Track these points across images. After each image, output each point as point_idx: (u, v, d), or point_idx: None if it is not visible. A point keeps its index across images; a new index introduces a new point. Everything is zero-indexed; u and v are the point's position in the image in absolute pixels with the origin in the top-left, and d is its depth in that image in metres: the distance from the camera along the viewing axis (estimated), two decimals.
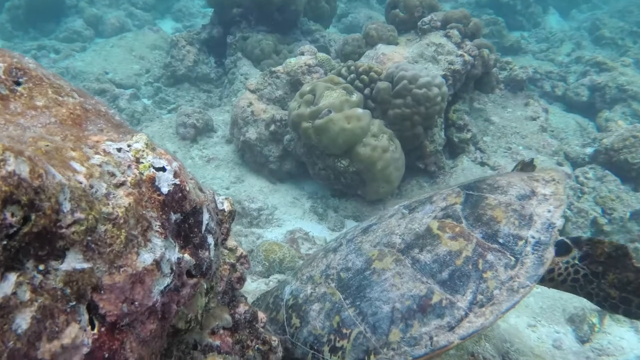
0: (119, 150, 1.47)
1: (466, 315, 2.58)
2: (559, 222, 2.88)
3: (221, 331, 2.18)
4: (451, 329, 2.57)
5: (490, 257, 2.75)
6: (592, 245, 3.00)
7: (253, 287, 4.26)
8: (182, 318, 1.70)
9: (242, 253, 2.42)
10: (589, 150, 7.87)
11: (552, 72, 11.11)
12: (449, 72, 6.94)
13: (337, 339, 2.75)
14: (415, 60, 7.18)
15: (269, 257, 4.91)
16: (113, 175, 1.37)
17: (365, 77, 6.44)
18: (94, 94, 9.73)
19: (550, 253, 2.75)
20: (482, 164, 7.01)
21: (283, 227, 6.36)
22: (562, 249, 3.03)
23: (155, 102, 10.43)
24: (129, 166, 1.49)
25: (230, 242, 2.45)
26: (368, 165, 6.05)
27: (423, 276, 2.75)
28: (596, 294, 2.96)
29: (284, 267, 4.93)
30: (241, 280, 2.35)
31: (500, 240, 2.80)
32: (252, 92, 7.47)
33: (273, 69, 7.49)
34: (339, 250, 3.15)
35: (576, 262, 2.99)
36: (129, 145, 1.55)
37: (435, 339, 2.57)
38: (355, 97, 6.15)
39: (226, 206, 2.18)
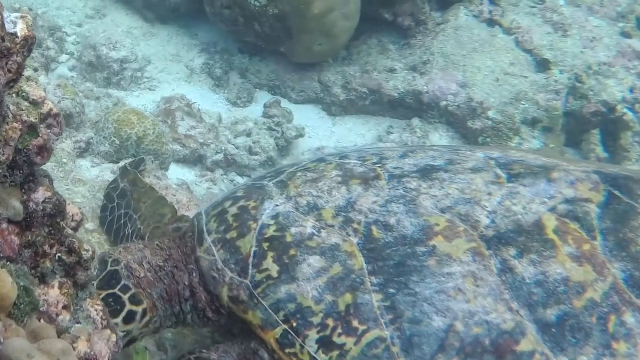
0: None
1: None
2: None
3: (4, 225, 2.19)
4: None
5: (630, 319, 2.55)
6: None
7: (93, 174, 4.29)
8: None
9: (51, 110, 2.30)
10: None
11: None
12: None
13: (339, 330, 2.59)
14: None
15: (121, 131, 4.93)
16: None
17: None
18: None
19: None
20: (491, 22, 6.83)
21: (157, 92, 6.31)
22: None
23: None
24: None
25: (35, 91, 2.35)
26: (299, 7, 5.92)
27: (514, 300, 2.57)
28: None
29: (143, 149, 4.97)
30: (45, 151, 2.24)
31: None
32: None
33: None
34: (375, 185, 2.97)
35: None
36: None
37: None
38: None
39: (20, 28, 2.02)
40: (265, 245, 2.82)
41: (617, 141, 6.18)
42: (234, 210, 3.02)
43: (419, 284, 2.59)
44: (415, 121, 6.15)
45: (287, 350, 2.63)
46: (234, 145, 5.76)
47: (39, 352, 1.93)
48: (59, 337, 2.15)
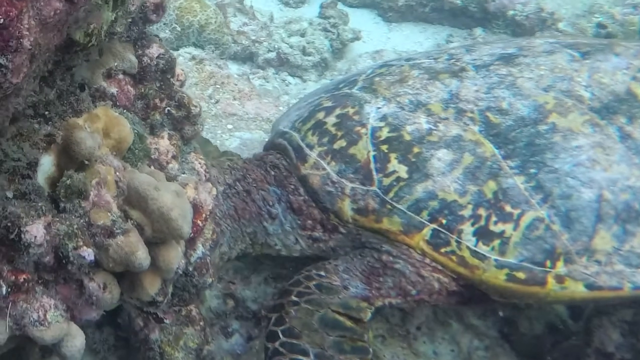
0: None
1: None
2: None
3: (120, 76, 2.47)
4: None
5: None
6: None
7: None
8: (81, 27, 2.01)
9: None
10: None
11: None
12: None
13: (494, 218, 2.73)
14: None
15: (183, 18, 5.26)
16: None
17: None
18: None
19: None
20: None
21: None
22: None
23: None
24: None
25: None
26: None
27: None
28: None
29: (204, 38, 5.31)
30: (160, 8, 2.53)
31: None
32: None
33: None
34: (466, 76, 3.13)
35: None
36: None
37: None
38: None
39: None
40: (384, 147, 2.89)
41: None
42: (332, 119, 3.08)
43: (555, 160, 2.77)
44: (478, 30, 6.25)
45: (443, 250, 2.73)
46: (287, 44, 5.95)
47: (163, 186, 2.19)
48: None
